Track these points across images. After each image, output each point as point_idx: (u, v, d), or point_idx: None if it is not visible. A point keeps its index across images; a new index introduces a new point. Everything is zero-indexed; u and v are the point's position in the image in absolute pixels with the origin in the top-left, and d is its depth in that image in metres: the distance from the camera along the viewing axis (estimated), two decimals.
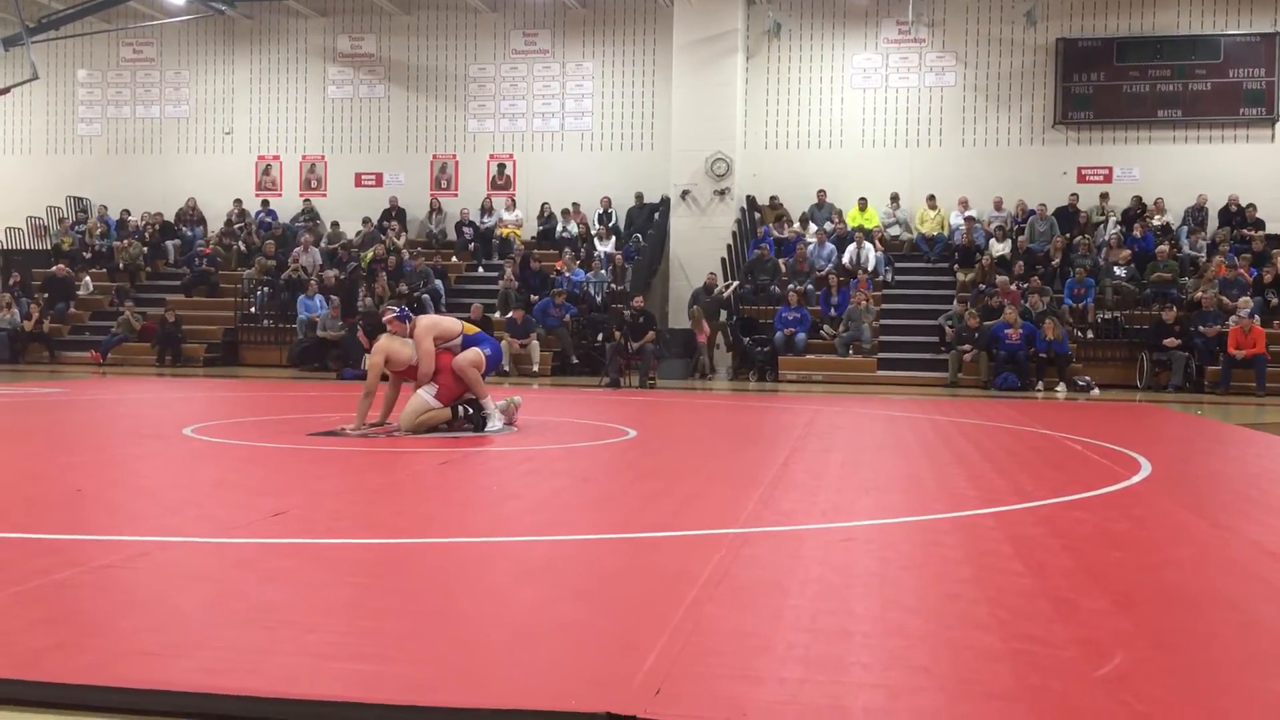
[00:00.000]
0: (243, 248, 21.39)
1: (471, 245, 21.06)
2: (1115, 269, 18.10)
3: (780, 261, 19.08)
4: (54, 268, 20.88)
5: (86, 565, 3.74)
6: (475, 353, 8.23)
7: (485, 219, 21.45)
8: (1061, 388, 15.84)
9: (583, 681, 2.62)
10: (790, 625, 3.14)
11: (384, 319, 8.28)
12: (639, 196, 20.72)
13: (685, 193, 20.02)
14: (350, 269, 20.01)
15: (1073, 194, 19.72)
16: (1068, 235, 18.98)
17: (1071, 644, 2.99)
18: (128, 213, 22.61)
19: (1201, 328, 16.27)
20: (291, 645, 2.88)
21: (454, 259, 20.99)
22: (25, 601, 3.28)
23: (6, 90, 18.93)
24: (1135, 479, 6.31)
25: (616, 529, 4.69)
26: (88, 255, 21.73)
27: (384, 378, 8.30)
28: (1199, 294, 16.82)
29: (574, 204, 21.01)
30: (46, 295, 20.22)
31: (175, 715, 2.47)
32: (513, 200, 21.63)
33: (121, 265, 21.38)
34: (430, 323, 8.44)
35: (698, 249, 19.71)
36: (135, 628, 3.07)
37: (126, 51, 23.19)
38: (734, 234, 19.96)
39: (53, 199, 22.88)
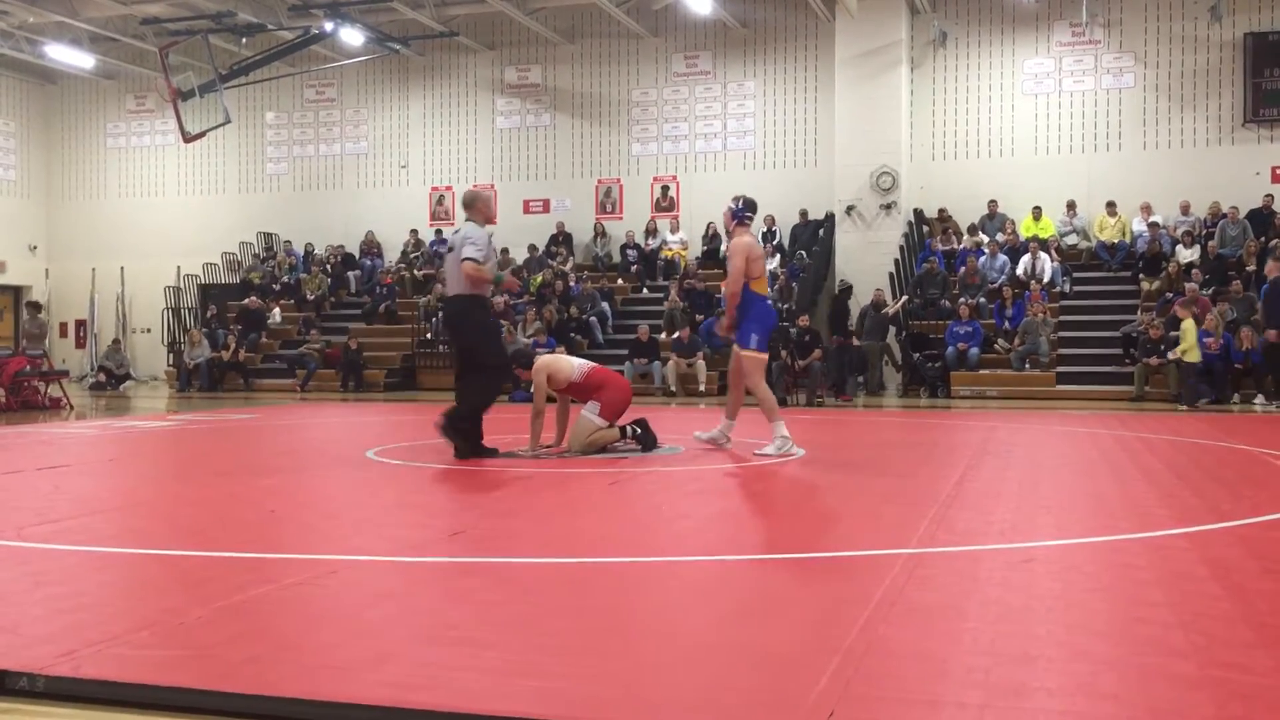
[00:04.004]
0: (418, 276, 22.19)
1: (635, 267, 21.30)
2: None
3: (950, 275, 18.62)
4: (246, 300, 22.11)
5: (280, 582, 3.95)
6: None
7: (650, 241, 21.66)
8: (1260, 400, 14.93)
9: (754, 702, 2.61)
10: (968, 648, 3.06)
11: (724, 213, 8.74)
12: (803, 214, 20.58)
13: (850, 208, 19.77)
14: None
15: (1267, 195, 18.60)
16: (1262, 239, 17.92)
17: (1276, 672, 2.81)
18: (312, 246, 23.81)
19: None
20: (471, 661, 2.97)
21: (619, 281, 21.25)
22: (224, 617, 3.47)
23: (202, 134, 20.13)
24: None
25: (787, 549, 4.65)
26: (276, 287, 22.96)
27: (550, 398, 8.46)
28: None
29: None
30: (240, 326, 21.42)
31: None
32: (676, 221, 21.79)
33: (308, 296, 22.50)
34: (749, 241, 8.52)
35: (864, 265, 19.42)
36: (325, 643, 3.21)
37: (310, 93, 24.45)
38: (901, 248, 19.59)
39: (244, 235, 24.28)
